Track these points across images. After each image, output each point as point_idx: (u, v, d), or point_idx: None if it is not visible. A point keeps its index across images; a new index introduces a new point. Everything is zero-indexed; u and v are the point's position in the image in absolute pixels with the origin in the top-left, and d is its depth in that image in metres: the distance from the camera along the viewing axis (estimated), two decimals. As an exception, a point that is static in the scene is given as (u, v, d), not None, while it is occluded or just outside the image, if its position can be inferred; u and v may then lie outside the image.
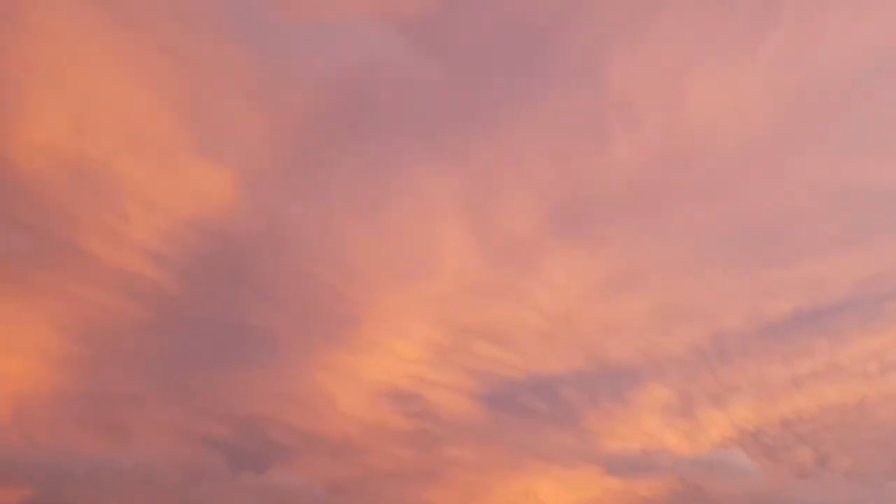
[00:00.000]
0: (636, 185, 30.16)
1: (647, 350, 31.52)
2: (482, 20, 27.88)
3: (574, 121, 28.87)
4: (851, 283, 31.25)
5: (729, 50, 28.48)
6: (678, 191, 30.45)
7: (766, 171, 30.47)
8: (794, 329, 31.60)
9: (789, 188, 30.64)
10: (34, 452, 26.42)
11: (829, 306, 31.42)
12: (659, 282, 31.17)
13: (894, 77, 28.76)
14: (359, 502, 29.13)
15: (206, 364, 28.64)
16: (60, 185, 25.49)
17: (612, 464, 30.69)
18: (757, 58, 28.55)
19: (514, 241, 30.09)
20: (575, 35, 28.10)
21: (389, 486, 29.64)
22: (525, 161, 29.53)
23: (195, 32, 25.52)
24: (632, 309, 31.39)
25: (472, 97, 28.54)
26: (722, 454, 31.21)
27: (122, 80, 25.60)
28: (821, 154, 30.22)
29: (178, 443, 28.22)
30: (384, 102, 28.09)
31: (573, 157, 29.54)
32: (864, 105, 29.47)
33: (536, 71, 28.49)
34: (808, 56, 28.64)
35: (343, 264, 29.23)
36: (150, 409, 28.03)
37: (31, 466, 26.19)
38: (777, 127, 29.76)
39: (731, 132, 29.61)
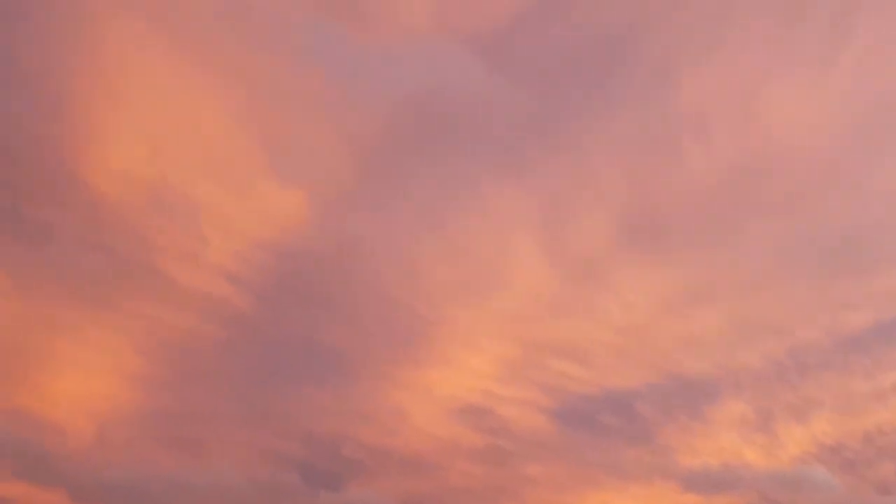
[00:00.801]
0: (711, 198, 29.71)
1: (725, 364, 31.14)
2: (552, 37, 27.62)
3: (647, 135, 28.47)
4: (934, 293, 30.61)
5: (804, 60, 27.87)
6: (754, 203, 29.92)
7: (844, 182, 29.82)
8: (876, 341, 30.89)
9: (868, 199, 29.95)
10: (114, 471, 26.88)
11: (912, 317, 30.82)
12: (735, 295, 30.68)
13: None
14: (433, 519, 29.25)
15: (282, 383, 28.90)
16: (138, 208, 25.83)
17: (690, 480, 30.35)
18: (833, 68, 27.88)
19: (586, 256, 29.79)
20: (647, 49, 27.70)
21: (463, 502, 29.69)
22: (597, 176, 29.27)
23: (267, 55, 25.67)
24: (708, 323, 30.92)
25: (542, 113, 28.33)
26: (802, 469, 30.71)
27: (196, 103, 25.87)
28: (900, 164, 29.68)
29: (254, 461, 28.55)
30: (456, 121, 27.99)
31: (646, 171, 29.15)
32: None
33: (608, 86, 28.18)
34: (886, 65, 27.94)
35: (416, 281, 29.28)
36: (227, 427, 28.40)
37: (112, 485, 26.62)
38: (855, 137, 29.08)
39: (807, 143, 28.99)
